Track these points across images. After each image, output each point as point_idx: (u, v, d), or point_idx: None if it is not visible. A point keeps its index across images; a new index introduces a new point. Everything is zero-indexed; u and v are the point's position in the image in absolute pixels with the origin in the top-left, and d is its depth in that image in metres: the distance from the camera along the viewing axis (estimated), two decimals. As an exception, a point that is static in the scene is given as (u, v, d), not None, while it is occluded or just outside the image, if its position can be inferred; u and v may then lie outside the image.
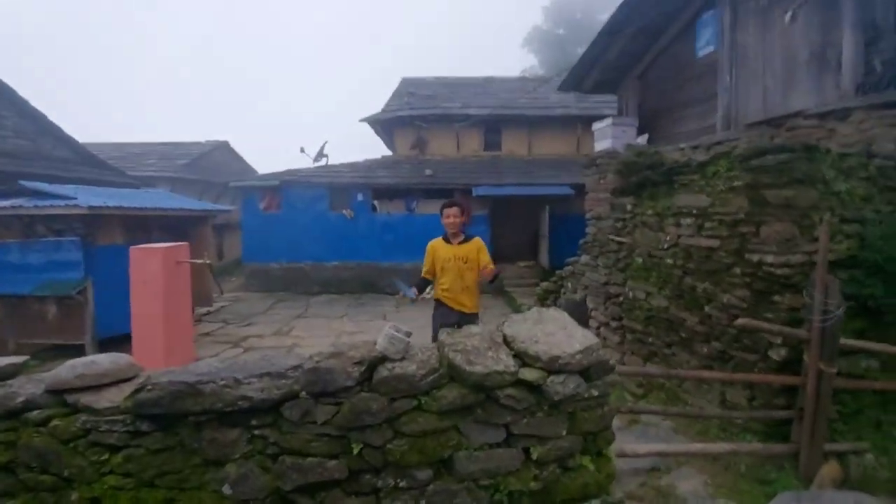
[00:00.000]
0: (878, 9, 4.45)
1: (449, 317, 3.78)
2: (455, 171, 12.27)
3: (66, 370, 2.11)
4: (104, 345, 6.05)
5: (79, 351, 5.74)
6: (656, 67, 7.73)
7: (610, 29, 7.41)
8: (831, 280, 2.92)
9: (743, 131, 5.62)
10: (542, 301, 7.61)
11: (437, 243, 3.95)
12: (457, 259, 3.79)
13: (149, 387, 2.01)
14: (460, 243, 3.87)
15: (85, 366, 2.15)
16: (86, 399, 2.06)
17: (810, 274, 3.14)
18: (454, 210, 3.85)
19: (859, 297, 3.34)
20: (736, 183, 3.68)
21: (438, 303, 3.92)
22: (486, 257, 3.87)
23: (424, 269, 3.98)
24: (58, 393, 2.08)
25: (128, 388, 2.09)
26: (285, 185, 11.75)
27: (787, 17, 5.36)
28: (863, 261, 3.41)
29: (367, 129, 14.82)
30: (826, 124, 4.55)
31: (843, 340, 3.03)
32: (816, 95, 5.06)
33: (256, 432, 2.03)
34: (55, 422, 2.05)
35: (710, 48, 6.54)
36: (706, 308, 3.94)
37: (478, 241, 3.94)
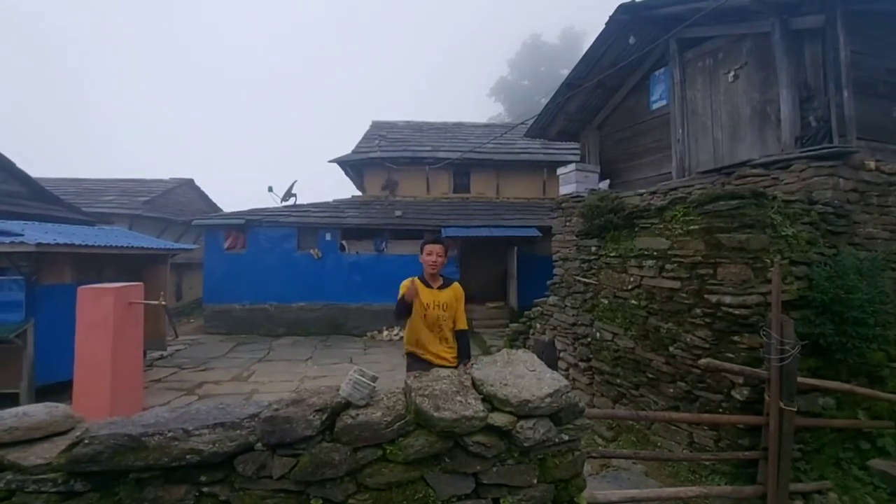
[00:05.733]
0: (810, 71, 4.92)
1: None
2: (425, 213, 12.38)
3: (-7, 423, 1.90)
4: (42, 393, 5.60)
5: (13, 400, 5.29)
6: (614, 119, 8.20)
7: (571, 82, 7.88)
8: (786, 320, 3.04)
9: (696, 178, 5.96)
10: (512, 342, 7.58)
11: (416, 283, 3.26)
12: (437, 306, 3.27)
13: (86, 440, 1.83)
14: (440, 288, 3.34)
15: (16, 417, 1.94)
16: (13, 455, 1.85)
17: (766, 314, 3.27)
18: (438, 248, 3.33)
19: (811, 336, 3.48)
20: (692, 227, 3.86)
21: (414, 357, 3.34)
22: (462, 311, 3.40)
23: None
24: (-19, 449, 1.87)
25: (62, 443, 1.89)
26: (251, 224, 11.52)
27: (731, 76, 5.85)
28: (812, 301, 3.59)
29: (337, 170, 14.90)
30: (771, 173, 4.89)
31: (799, 379, 3.12)
32: (761, 147, 5.46)
33: (205, 489, 1.86)
34: (-25, 482, 1.82)
35: (663, 102, 7.02)
36: (671, 348, 4.01)
37: (458, 289, 3.42)
